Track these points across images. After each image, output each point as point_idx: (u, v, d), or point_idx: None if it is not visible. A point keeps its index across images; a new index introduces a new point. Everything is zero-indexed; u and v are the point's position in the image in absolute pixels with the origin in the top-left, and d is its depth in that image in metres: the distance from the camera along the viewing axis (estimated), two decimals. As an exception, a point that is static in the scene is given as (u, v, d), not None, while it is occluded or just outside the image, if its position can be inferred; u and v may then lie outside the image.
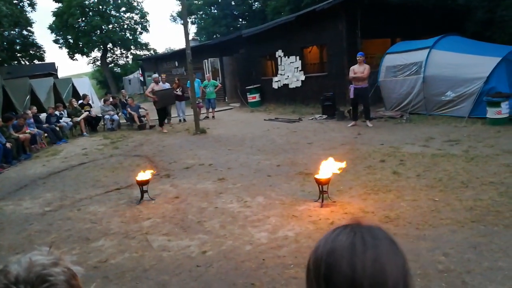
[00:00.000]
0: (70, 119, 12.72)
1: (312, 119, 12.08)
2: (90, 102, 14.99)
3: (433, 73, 9.83)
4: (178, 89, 13.90)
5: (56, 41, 34.44)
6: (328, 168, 4.96)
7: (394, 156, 6.80)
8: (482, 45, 10.26)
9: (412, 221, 4.08)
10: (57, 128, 11.68)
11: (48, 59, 38.90)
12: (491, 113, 8.42)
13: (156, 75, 13.23)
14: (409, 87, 10.43)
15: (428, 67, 9.98)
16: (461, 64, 9.42)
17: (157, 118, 12.50)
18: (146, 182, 5.66)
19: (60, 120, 12.14)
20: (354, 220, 0.80)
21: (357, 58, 9.78)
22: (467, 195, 4.66)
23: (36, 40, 31.25)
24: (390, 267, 0.72)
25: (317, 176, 4.91)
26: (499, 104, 8.28)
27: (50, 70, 22.13)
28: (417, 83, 10.17)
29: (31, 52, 30.85)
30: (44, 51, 31.57)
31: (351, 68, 9.96)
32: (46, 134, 11.33)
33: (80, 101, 14.09)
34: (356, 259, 0.71)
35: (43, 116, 12.10)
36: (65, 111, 13.09)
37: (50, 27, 33.34)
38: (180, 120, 14.09)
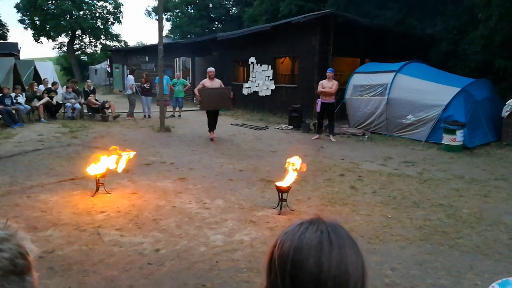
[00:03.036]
0: (24, 101, 12.13)
1: (278, 128, 12.21)
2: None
3: (397, 96, 10.23)
4: (146, 84, 13.69)
5: (21, 21, 33.02)
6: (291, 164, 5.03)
7: (353, 171, 7.00)
8: (444, 75, 10.81)
9: (365, 235, 4.20)
10: (13, 111, 11.12)
11: (11, 39, 37.15)
12: (447, 139, 8.86)
13: (212, 69, 10.08)
14: (373, 107, 10.79)
15: (392, 89, 10.37)
16: (423, 90, 9.87)
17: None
18: (103, 175, 5.50)
19: (16, 103, 11.55)
20: (317, 215, 0.82)
21: (327, 74, 10.01)
22: (417, 214, 4.87)
23: (0, 18, 29.83)
24: (352, 267, 0.74)
25: (278, 184, 4.97)
26: (454, 132, 8.72)
27: (12, 50, 21.07)
28: (381, 104, 10.54)
29: (-7, 29, 29.40)
30: (7, 30, 30.21)
31: (320, 82, 10.18)
32: (0, 116, 10.76)
33: (49, 86, 13.54)
34: (323, 259, 0.73)
35: (-1, 96, 11.49)
36: (23, 94, 12.48)
37: (17, 6, 31.93)
38: (145, 115, 13.82)
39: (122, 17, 35.75)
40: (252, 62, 15.93)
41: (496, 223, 4.61)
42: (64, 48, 37.18)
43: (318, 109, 10.22)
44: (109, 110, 13.06)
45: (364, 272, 0.77)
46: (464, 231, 4.36)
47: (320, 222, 0.80)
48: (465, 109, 9.26)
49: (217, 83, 9.84)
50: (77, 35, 35.46)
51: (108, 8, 35.23)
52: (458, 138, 8.73)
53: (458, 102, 9.33)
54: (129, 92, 13.52)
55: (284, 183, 4.98)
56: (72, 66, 34.85)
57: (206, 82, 9.77)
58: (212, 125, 9.93)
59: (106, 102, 13.36)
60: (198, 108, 10.33)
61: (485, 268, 3.55)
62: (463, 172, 7.07)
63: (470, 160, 8.09)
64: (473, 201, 5.41)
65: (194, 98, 19.58)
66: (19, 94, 11.97)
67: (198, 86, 9.98)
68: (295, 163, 5.06)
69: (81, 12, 33.55)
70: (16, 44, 24.75)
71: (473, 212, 4.96)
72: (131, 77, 13.69)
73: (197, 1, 33.30)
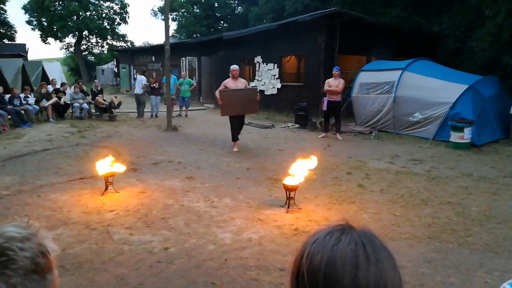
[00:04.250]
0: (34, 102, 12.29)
1: (285, 127, 12.22)
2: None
3: (404, 94, 10.19)
4: (155, 84, 13.77)
5: (29, 22, 33.35)
6: (300, 167, 5.05)
7: (361, 169, 6.99)
8: (451, 72, 10.73)
9: (373, 233, 4.19)
10: (22, 111, 11.24)
11: (18, 40, 37.49)
12: (454, 137, 8.81)
13: (236, 66, 8.49)
14: (380, 105, 10.75)
15: (399, 87, 10.33)
16: (431, 88, 9.82)
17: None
18: (111, 174, 5.55)
19: (25, 103, 11.67)
20: (346, 221, 0.77)
21: (333, 72, 10.00)
22: (426, 212, 4.86)
23: (8, 19, 30.17)
24: (391, 284, 0.69)
25: (285, 182, 4.98)
26: (462, 129, 8.67)
27: (20, 51, 21.27)
28: (388, 102, 10.50)
29: (1, 30, 29.69)
30: (15, 31, 30.50)
31: (326, 81, 10.17)
32: (10, 116, 10.88)
33: (57, 87, 13.70)
34: (360, 276, 0.67)
35: (8, 97, 11.62)
36: (32, 94, 12.62)
37: (25, 7, 32.21)
38: (152, 115, 13.90)
39: (128, 17, 36.01)
40: (258, 61, 15.93)
41: (506, 221, 4.58)
42: (71, 49, 37.49)
43: (324, 107, 10.21)
44: (111, 102, 13.30)
45: (401, 286, 0.71)
46: (473, 229, 4.35)
47: (352, 231, 0.73)
48: (473, 107, 9.19)
49: (241, 83, 8.45)
50: (84, 36, 35.72)
51: (114, 8, 35.47)
52: (466, 135, 8.68)
53: (465, 100, 9.27)
54: (137, 91, 13.61)
55: (291, 181, 4.99)
56: (80, 67, 35.12)
57: (229, 83, 8.35)
58: (236, 133, 8.63)
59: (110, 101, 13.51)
60: (220, 114, 8.74)
61: (494, 266, 3.53)
62: (472, 169, 7.02)
63: (478, 158, 8.03)
64: (482, 199, 5.38)
65: (201, 97, 19.65)
66: (28, 95, 12.10)
67: (219, 87, 8.44)
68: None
69: (88, 13, 33.77)
70: (24, 45, 25.02)
71: (482, 210, 4.93)
72: (143, 77, 13.77)
73: (203, 0, 33.34)
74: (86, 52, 37.99)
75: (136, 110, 13.97)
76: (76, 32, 34.48)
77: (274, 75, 15.21)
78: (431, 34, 15.39)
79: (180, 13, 35.19)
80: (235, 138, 8.59)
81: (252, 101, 8.33)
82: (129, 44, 36.78)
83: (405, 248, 3.89)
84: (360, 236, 0.72)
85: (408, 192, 5.68)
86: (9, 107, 11.01)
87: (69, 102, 13.12)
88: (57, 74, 19.78)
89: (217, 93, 8.36)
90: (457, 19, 14.67)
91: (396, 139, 10.02)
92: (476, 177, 6.49)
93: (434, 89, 9.76)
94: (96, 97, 13.32)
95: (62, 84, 14.14)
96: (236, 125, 8.49)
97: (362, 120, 11.42)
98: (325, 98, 10.18)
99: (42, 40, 34.53)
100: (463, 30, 14.49)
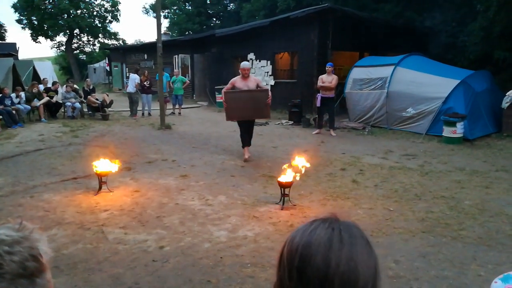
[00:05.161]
0: (24, 102, 12.14)
1: (279, 124, 12.22)
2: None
3: (397, 89, 10.23)
4: (146, 82, 13.69)
5: (19, 21, 32.93)
6: (293, 164, 5.07)
7: (354, 165, 7.01)
8: (443, 67, 10.79)
9: (367, 228, 4.21)
10: (14, 111, 11.12)
11: (9, 39, 37.12)
12: (447, 132, 8.87)
13: (247, 64, 7.51)
14: (373, 101, 10.79)
15: (392, 83, 10.37)
16: (423, 83, 9.87)
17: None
18: (105, 174, 5.51)
19: (17, 104, 11.54)
20: (332, 214, 0.81)
21: (326, 68, 10.01)
22: (419, 207, 4.89)
23: (-3, 18, 29.79)
24: (362, 267, 0.73)
25: (280, 179, 4.99)
26: (454, 124, 8.73)
27: (10, 50, 21.03)
28: (381, 97, 10.53)
29: (-10, 29, 29.35)
30: (5, 30, 30.14)
31: (319, 77, 10.18)
32: (1, 117, 10.76)
33: (48, 86, 13.56)
34: (332, 255, 0.72)
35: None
36: (23, 94, 12.47)
37: (14, 6, 31.83)
38: (143, 113, 13.82)
39: (119, 15, 35.69)
40: (251, 58, 15.90)
41: (498, 214, 4.63)
42: (63, 48, 37.12)
43: (318, 103, 10.22)
44: (104, 100, 13.21)
45: (376, 273, 0.75)
46: (466, 223, 4.38)
47: (333, 220, 0.79)
48: (465, 101, 9.26)
49: (253, 83, 7.23)
50: (75, 34, 35.39)
51: (105, 6, 35.15)
52: (458, 130, 8.74)
53: (458, 94, 9.33)
54: (130, 90, 13.52)
55: (286, 178, 4.99)
56: (71, 65, 34.79)
57: (238, 82, 7.21)
58: (245, 141, 7.47)
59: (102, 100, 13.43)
60: (225, 118, 7.56)
61: (488, 259, 3.57)
62: (464, 164, 7.08)
63: (470, 152, 8.10)
64: (475, 193, 5.43)
65: (194, 95, 19.58)
66: (19, 94, 11.96)
67: (227, 86, 7.37)
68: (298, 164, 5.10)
69: (79, 11, 33.44)
70: (14, 44, 24.75)
71: (475, 204, 4.98)
72: (136, 76, 13.67)
73: (195, -3, 33.13)
74: (78, 51, 37.65)
75: (129, 109, 13.89)
76: (67, 31, 34.15)
77: (267, 72, 15.20)
78: (423, 29, 15.46)
79: (172, 10, 34.96)
80: (245, 144, 7.42)
81: (262, 104, 7.05)
82: (121, 42, 36.53)
83: (400, 242, 3.92)
84: (339, 224, 0.78)
85: (402, 187, 5.72)
86: (0, 107, 10.90)
87: (61, 102, 13.00)
88: (49, 73, 19.62)
89: (223, 92, 7.39)
90: (449, 14, 14.74)
91: (390, 134, 10.07)
92: (468, 171, 6.55)
93: (426, 84, 9.81)
94: (88, 96, 13.23)
95: (54, 83, 14.00)
96: (244, 131, 7.37)
97: (356, 116, 11.45)
98: (318, 94, 10.19)
99: (32, 39, 34.18)
100: (455, 25, 14.57)
